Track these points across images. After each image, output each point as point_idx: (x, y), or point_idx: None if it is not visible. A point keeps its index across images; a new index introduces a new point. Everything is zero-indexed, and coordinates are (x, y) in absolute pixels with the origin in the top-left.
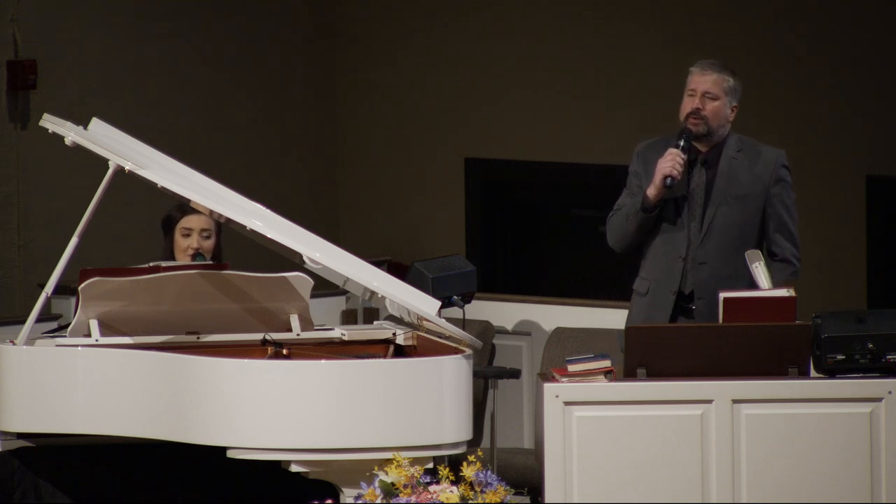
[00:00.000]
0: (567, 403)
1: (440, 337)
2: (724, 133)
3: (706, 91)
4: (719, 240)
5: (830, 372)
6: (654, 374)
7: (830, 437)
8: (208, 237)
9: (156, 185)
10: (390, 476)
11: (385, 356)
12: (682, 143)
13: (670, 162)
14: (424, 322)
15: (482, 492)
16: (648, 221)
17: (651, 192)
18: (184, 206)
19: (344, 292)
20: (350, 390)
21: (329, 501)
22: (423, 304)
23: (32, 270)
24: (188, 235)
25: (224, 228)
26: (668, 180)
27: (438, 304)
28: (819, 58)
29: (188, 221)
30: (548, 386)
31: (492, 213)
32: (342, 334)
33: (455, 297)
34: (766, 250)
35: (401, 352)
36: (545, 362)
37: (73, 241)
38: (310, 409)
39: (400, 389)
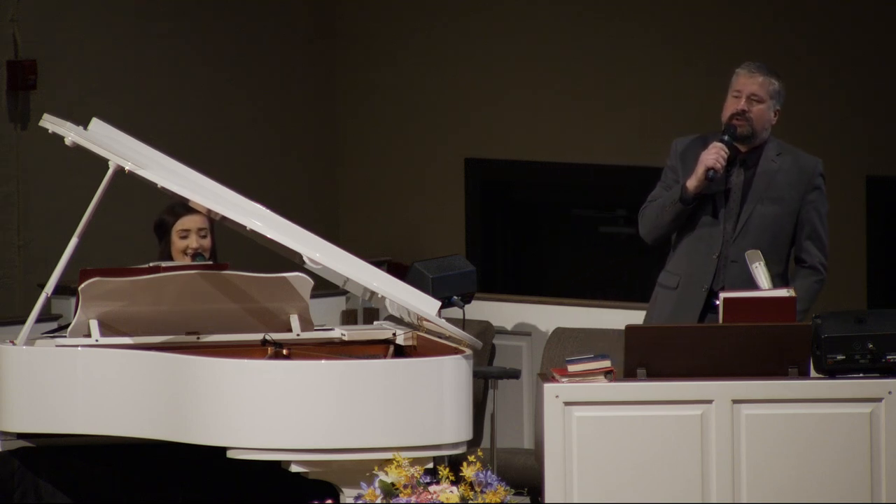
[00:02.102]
0: (567, 403)
1: (440, 337)
2: (766, 136)
3: (752, 93)
4: (753, 239)
5: (830, 372)
6: (654, 374)
7: (830, 437)
8: (205, 236)
9: (156, 185)
10: (390, 476)
11: (385, 356)
12: (726, 138)
13: (714, 155)
14: (424, 322)
15: (482, 492)
16: (684, 213)
17: (691, 183)
18: (175, 209)
19: (344, 292)
20: (350, 390)
21: (329, 501)
22: (423, 304)
23: (32, 270)
24: (186, 237)
25: (222, 228)
26: (711, 172)
27: (438, 304)
28: (819, 58)
29: (184, 223)
30: (548, 386)
31: (492, 213)
32: (342, 334)
33: (455, 297)
34: (794, 256)
35: (401, 352)
36: (545, 362)
37: (73, 241)
38: (310, 409)
39: (400, 389)
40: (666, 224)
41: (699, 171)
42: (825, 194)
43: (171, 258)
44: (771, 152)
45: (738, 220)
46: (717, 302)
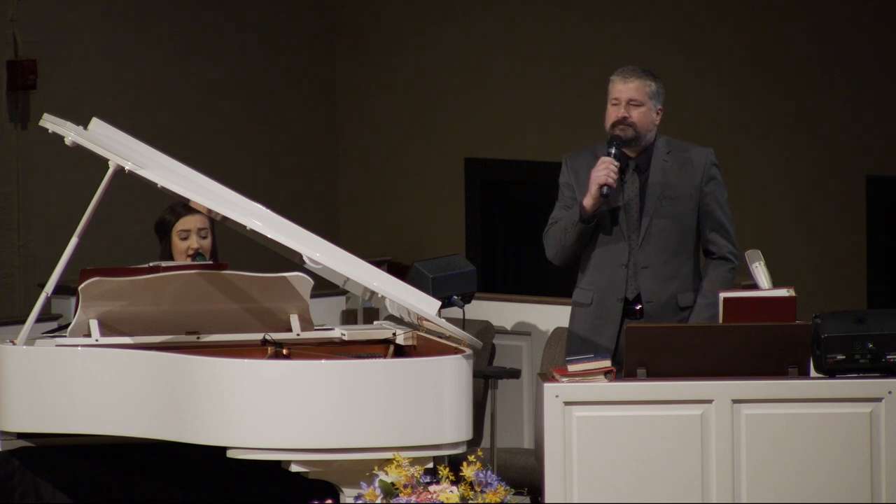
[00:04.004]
0: (567, 403)
1: (440, 337)
2: (652, 137)
3: (630, 98)
4: (658, 243)
5: (830, 372)
6: (654, 374)
7: (830, 437)
8: (206, 236)
9: (156, 185)
10: (390, 476)
11: (385, 356)
12: (612, 151)
13: (604, 171)
14: (424, 322)
15: (482, 492)
16: (587, 232)
17: (588, 202)
18: (176, 209)
19: (344, 292)
20: (350, 390)
21: (329, 501)
22: (423, 304)
23: (32, 270)
24: (186, 238)
25: (222, 228)
26: (605, 189)
27: (438, 304)
28: (819, 58)
29: (184, 223)
30: (548, 386)
31: (492, 213)
32: (342, 334)
33: (455, 297)
34: (703, 249)
35: (401, 352)
36: (545, 362)
37: (73, 241)
38: (310, 409)
39: (400, 389)
40: (571, 245)
41: (592, 189)
42: (722, 182)
43: (172, 258)
44: (661, 152)
45: (641, 227)
46: (638, 307)
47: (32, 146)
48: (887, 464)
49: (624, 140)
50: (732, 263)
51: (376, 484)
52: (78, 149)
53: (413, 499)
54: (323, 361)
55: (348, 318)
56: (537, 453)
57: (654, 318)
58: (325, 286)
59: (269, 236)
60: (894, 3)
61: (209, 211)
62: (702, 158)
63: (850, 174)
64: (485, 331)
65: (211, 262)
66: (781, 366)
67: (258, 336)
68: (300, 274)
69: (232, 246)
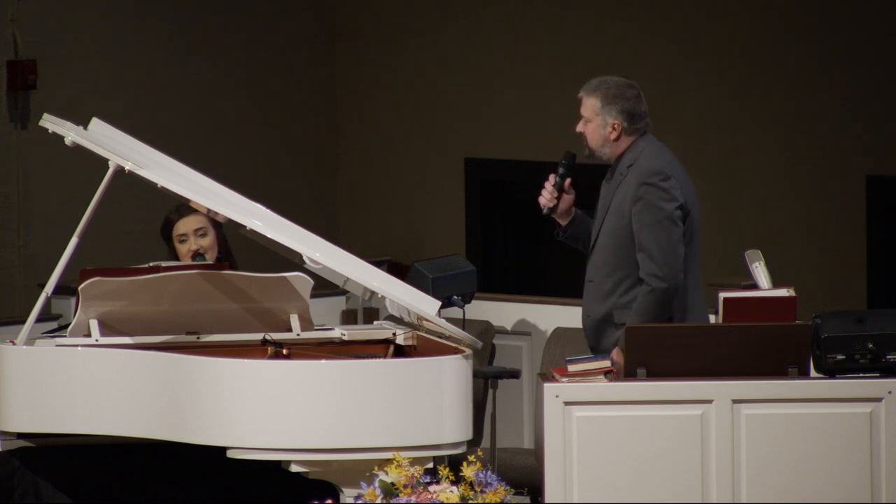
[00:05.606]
0: (567, 403)
1: (440, 337)
2: (615, 150)
3: (581, 115)
4: (601, 257)
5: (830, 372)
6: (654, 374)
7: (830, 437)
8: (204, 234)
9: (156, 185)
10: (390, 476)
11: (385, 356)
12: (560, 170)
13: (542, 192)
14: (424, 322)
15: (482, 492)
16: (572, 243)
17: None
18: (179, 208)
19: (344, 292)
20: (350, 390)
21: (329, 501)
22: (423, 304)
23: (32, 270)
24: (185, 241)
25: (225, 228)
26: (546, 210)
27: (438, 304)
28: (819, 58)
29: (180, 227)
30: (548, 386)
31: (492, 213)
32: (342, 334)
33: (455, 297)
34: None
35: (401, 352)
36: (545, 362)
37: (73, 241)
38: (310, 409)
39: (400, 389)
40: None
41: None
42: (654, 203)
43: (178, 260)
44: (622, 165)
45: (589, 240)
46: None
47: (32, 146)
48: (887, 464)
49: (589, 155)
50: (650, 286)
51: (376, 484)
52: (78, 149)
53: (413, 499)
54: (323, 361)
55: (348, 318)
56: (537, 453)
57: (589, 335)
58: (325, 286)
59: (269, 236)
60: (894, 3)
61: (207, 210)
62: (636, 178)
63: (850, 174)
64: (485, 331)
65: (211, 263)
66: (781, 366)
67: (258, 336)
68: (300, 274)
69: (232, 246)
